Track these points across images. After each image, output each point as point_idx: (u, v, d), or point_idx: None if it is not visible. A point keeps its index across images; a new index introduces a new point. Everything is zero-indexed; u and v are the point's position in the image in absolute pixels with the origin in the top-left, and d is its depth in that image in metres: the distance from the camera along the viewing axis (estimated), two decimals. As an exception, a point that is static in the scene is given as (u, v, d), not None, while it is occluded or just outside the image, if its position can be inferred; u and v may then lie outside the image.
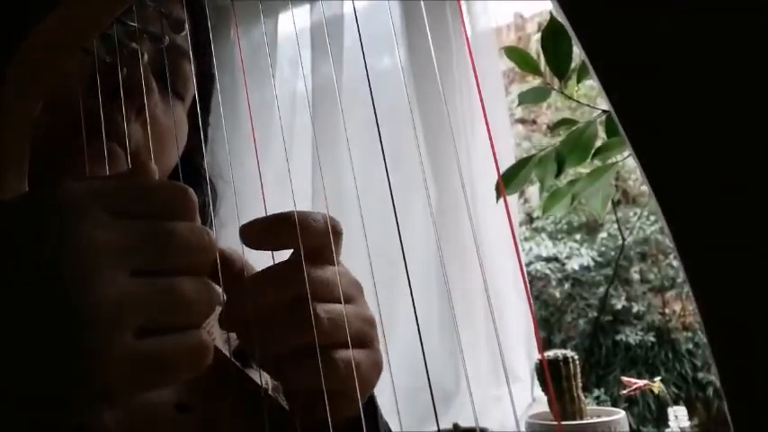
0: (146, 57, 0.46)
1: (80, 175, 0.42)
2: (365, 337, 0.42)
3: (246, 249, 0.42)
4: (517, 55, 0.89)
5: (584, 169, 0.91)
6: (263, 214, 0.50)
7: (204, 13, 0.56)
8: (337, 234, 0.42)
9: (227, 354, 0.44)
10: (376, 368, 0.42)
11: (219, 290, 0.34)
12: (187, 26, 0.50)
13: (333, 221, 0.42)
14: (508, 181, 0.84)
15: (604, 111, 0.84)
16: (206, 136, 0.62)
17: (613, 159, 0.85)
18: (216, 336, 0.52)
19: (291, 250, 0.42)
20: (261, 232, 0.41)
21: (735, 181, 0.23)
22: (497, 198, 0.87)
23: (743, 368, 0.21)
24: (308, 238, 0.40)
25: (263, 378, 0.42)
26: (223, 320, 0.40)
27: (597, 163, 0.86)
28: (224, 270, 0.40)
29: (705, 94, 0.23)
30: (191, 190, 0.34)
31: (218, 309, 0.36)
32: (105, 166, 0.43)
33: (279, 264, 0.41)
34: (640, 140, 0.24)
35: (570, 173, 0.95)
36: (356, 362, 0.40)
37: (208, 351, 0.31)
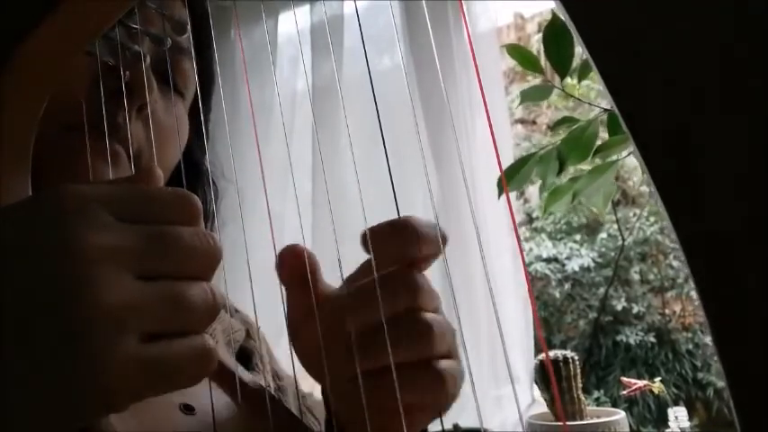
0: (148, 59, 0.46)
1: (83, 177, 0.42)
2: (454, 349, 0.41)
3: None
4: (518, 53, 0.89)
5: (585, 167, 0.91)
6: (265, 212, 0.50)
7: (206, 14, 0.56)
8: (445, 241, 0.41)
9: (231, 356, 0.44)
10: (462, 379, 0.41)
11: (224, 294, 0.34)
12: (189, 27, 0.50)
13: (442, 230, 0.41)
14: (510, 178, 0.84)
15: (605, 109, 0.84)
16: (207, 133, 0.62)
17: (614, 157, 0.85)
18: (219, 339, 0.52)
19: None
20: (381, 239, 0.40)
21: (741, 181, 0.23)
22: (499, 195, 0.87)
23: (752, 373, 0.21)
24: (425, 246, 0.40)
25: (266, 380, 0.42)
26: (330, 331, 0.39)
27: (598, 161, 0.86)
28: (304, 272, 0.41)
29: (709, 92, 0.23)
30: (195, 196, 0.33)
31: (222, 312, 0.35)
32: (108, 166, 0.43)
33: (386, 274, 0.40)
34: (644, 140, 0.24)
35: (571, 171, 0.94)
36: (453, 373, 0.39)
37: (212, 356, 0.31)
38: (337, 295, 0.42)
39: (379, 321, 0.38)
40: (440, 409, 0.39)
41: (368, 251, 0.40)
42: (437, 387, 0.38)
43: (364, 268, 0.42)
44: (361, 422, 0.37)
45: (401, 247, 0.39)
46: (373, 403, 0.36)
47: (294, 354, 0.43)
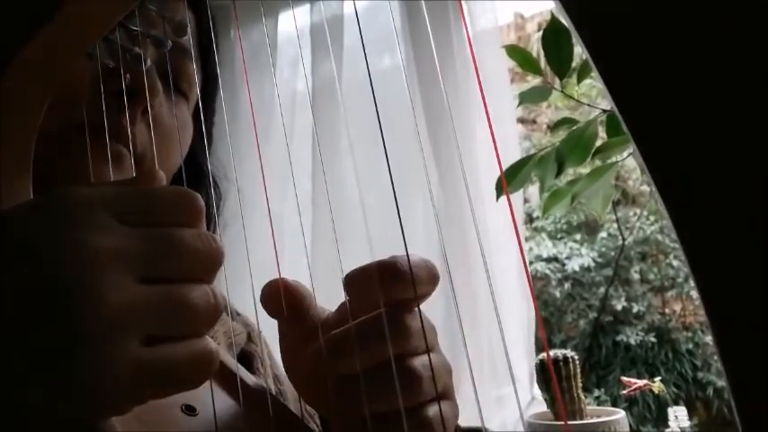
0: (149, 61, 0.46)
1: (86, 178, 0.42)
2: (448, 389, 0.40)
3: None
4: (518, 54, 0.89)
5: (584, 169, 0.91)
6: (265, 212, 0.50)
7: (207, 14, 0.56)
8: (436, 282, 0.40)
9: (233, 358, 0.44)
10: (456, 421, 0.40)
11: (225, 296, 0.34)
12: (189, 28, 0.50)
13: (432, 268, 0.40)
14: (509, 179, 0.84)
15: (604, 110, 0.84)
16: (210, 136, 0.62)
17: (614, 159, 0.85)
18: (221, 341, 0.52)
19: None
20: (365, 283, 0.39)
21: (741, 180, 0.23)
22: (497, 197, 0.87)
23: (753, 372, 0.21)
24: (410, 288, 0.38)
25: (267, 384, 0.41)
26: (304, 378, 0.39)
27: (597, 163, 0.85)
28: (292, 304, 0.40)
29: (710, 91, 0.23)
30: (198, 197, 0.33)
31: (223, 314, 0.35)
32: (111, 168, 0.43)
33: (371, 318, 0.39)
34: (645, 140, 0.24)
35: (570, 173, 0.94)
36: (444, 416, 0.38)
37: (214, 359, 0.31)
38: (328, 328, 0.40)
39: (364, 369, 0.37)
40: None
41: (351, 296, 0.39)
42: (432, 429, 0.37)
43: (344, 311, 0.41)
44: None
45: (388, 292, 0.38)
46: None
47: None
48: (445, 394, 0.40)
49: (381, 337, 0.37)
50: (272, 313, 0.42)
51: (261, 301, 0.41)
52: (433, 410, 0.38)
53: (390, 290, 0.38)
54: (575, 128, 0.85)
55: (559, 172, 0.84)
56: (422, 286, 0.39)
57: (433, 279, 0.40)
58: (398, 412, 0.36)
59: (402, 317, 0.38)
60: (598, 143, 0.84)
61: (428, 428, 0.37)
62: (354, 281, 0.39)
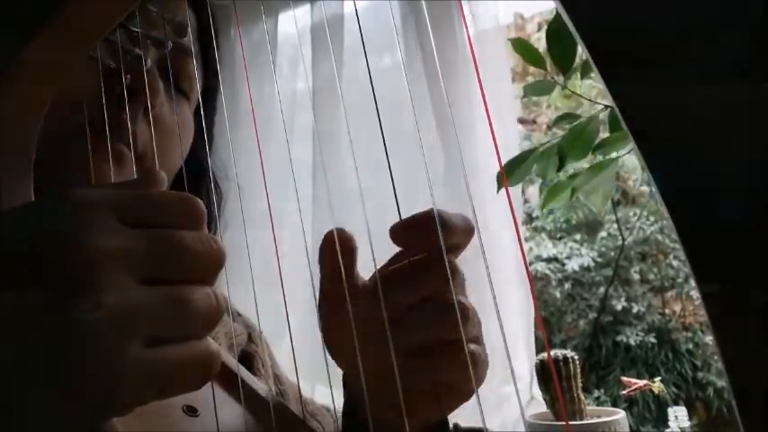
0: (149, 62, 0.46)
1: (87, 179, 0.42)
2: (482, 335, 0.43)
3: None
4: (523, 47, 0.89)
5: (586, 165, 0.90)
6: (265, 211, 0.50)
7: (207, 13, 0.57)
8: (472, 233, 0.43)
9: (234, 359, 0.44)
10: (487, 367, 0.43)
11: (226, 297, 0.34)
12: (190, 27, 0.50)
13: (467, 219, 0.43)
14: (509, 174, 0.84)
15: (607, 106, 0.84)
16: (211, 135, 0.62)
17: (614, 154, 0.84)
18: (222, 342, 0.52)
19: None
20: (408, 231, 0.42)
21: (742, 179, 0.23)
22: (498, 189, 0.87)
23: (754, 371, 0.21)
24: (449, 236, 0.41)
25: (268, 384, 0.42)
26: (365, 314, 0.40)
27: (599, 157, 0.85)
28: (350, 249, 0.43)
29: (711, 91, 0.23)
30: (200, 201, 0.34)
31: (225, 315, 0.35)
32: (112, 168, 0.43)
33: (416, 260, 0.42)
34: (645, 140, 0.24)
35: (572, 169, 0.94)
36: (482, 358, 0.41)
37: (216, 360, 0.31)
38: (371, 281, 0.43)
39: (413, 302, 0.39)
40: (468, 393, 0.40)
41: (399, 243, 0.42)
42: (468, 367, 0.39)
43: (395, 259, 0.43)
44: (385, 408, 0.37)
45: (431, 237, 0.40)
46: (406, 385, 0.36)
47: (296, 353, 0.43)
48: (480, 340, 0.42)
49: (430, 273, 0.40)
50: (326, 260, 0.43)
51: (321, 245, 0.43)
52: (474, 346, 0.40)
53: (433, 234, 0.40)
54: (576, 123, 0.84)
55: (561, 166, 0.84)
56: (461, 235, 0.42)
57: (470, 229, 0.43)
58: (442, 345, 0.39)
59: (447, 259, 0.41)
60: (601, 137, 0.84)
61: (472, 362, 0.39)
62: (400, 230, 0.42)
